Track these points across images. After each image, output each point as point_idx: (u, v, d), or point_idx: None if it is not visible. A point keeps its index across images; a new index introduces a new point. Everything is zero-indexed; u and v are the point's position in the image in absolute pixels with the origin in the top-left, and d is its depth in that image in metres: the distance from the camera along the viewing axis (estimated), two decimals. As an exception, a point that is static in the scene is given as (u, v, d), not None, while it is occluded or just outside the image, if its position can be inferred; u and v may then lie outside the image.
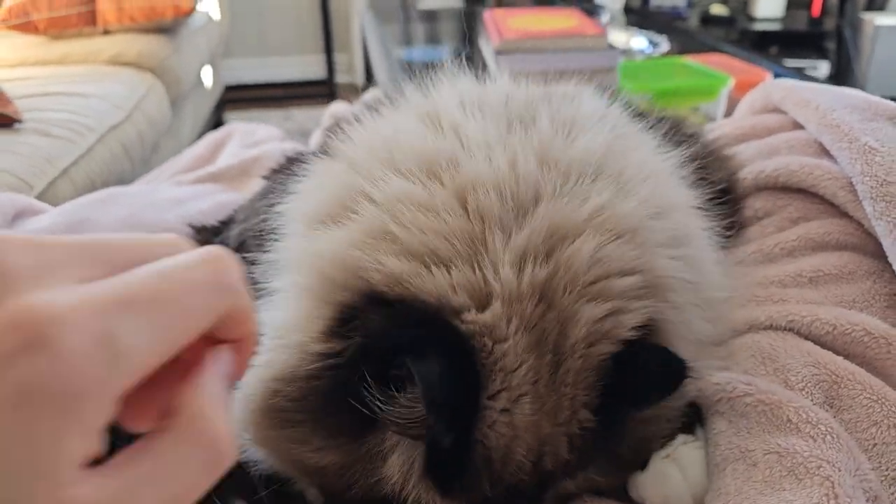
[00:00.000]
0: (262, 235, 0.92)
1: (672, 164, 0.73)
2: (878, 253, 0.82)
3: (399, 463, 0.56)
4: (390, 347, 0.53)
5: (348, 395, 0.54)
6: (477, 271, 0.56)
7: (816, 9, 4.06)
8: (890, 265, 0.80)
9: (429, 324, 0.54)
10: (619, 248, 0.59)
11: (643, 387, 0.57)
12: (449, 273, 0.56)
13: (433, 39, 3.14)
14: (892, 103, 0.92)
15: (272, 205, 0.78)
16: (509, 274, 0.56)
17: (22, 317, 0.27)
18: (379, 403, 0.53)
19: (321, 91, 4.27)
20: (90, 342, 0.27)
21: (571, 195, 0.61)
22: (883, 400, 0.67)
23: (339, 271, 0.59)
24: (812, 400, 0.69)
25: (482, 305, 0.55)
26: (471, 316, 0.55)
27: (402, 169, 0.63)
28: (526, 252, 0.57)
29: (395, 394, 0.53)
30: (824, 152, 0.91)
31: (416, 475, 0.55)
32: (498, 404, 0.54)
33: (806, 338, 0.77)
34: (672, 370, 0.57)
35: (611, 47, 2.10)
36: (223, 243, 1.00)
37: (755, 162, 0.94)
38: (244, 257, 0.95)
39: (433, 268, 0.56)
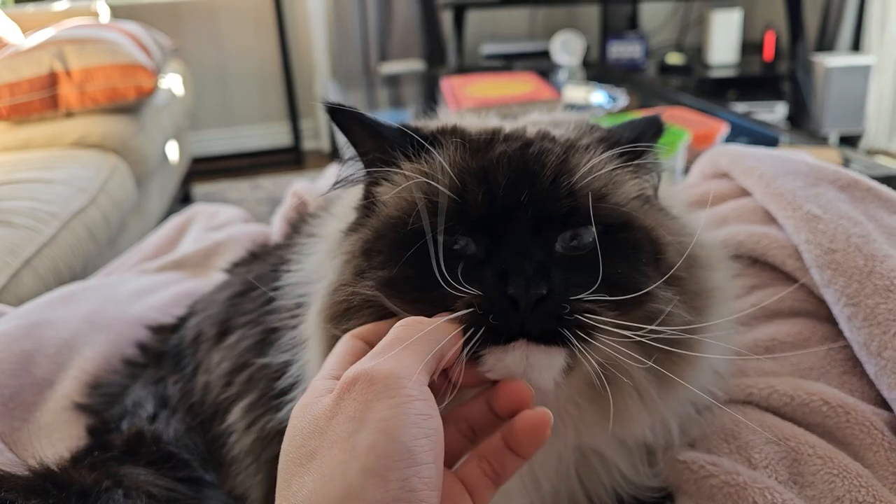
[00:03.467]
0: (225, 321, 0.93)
1: None
2: (831, 318, 0.83)
3: None
4: None
5: None
6: None
7: (769, 53, 4.18)
8: (842, 330, 0.81)
9: None
10: None
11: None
12: None
13: (397, 103, 3.18)
14: (833, 167, 0.94)
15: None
16: None
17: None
18: None
19: (288, 158, 4.29)
20: None
21: None
22: (844, 474, 0.67)
23: None
24: (777, 478, 0.69)
25: None
26: None
27: None
28: None
29: None
30: (771, 219, 0.92)
31: None
32: None
33: (765, 410, 0.77)
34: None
35: (568, 108, 2.15)
36: (180, 339, 0.99)
37: (706, 232, 0.95)
38: (200, 345, 0.95)
39: None
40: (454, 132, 0.65)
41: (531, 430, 0.50)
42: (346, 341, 0.54)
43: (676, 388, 0.62)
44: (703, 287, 0.64)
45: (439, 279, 0.54)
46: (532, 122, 0.72)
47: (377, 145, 0.64)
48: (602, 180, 0.60)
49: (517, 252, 0.55)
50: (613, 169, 0.62)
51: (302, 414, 0.47)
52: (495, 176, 0.58)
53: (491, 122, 0.73)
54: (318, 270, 0.71)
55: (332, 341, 0.59)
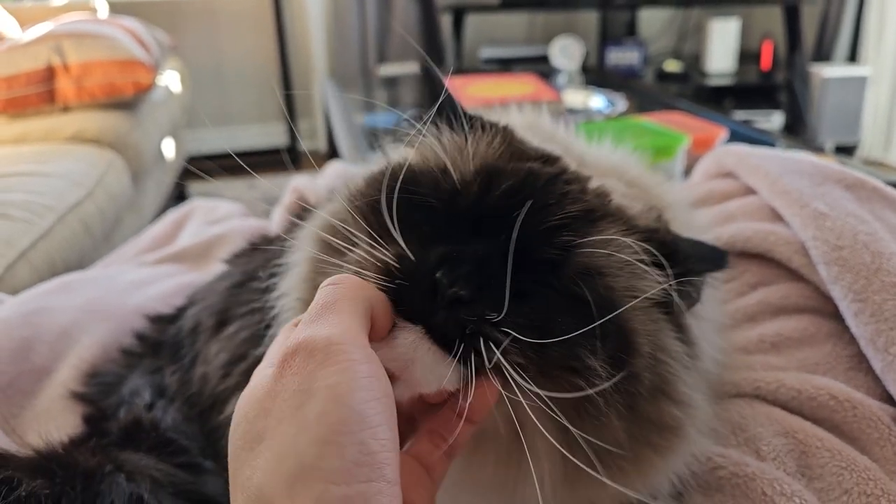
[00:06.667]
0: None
1: None
2: (836, 314, 0.83)
3: None
4: None
5: None
6: None
7: (766, 62, 4.20)
8: (849, 326, 0.81)
9: None
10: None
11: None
12: None
13: (394, 105, 3.18)
14: (838, 167, 0.94)
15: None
16: None
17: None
18: None
19: (284, 159, 4.28)
20: None
21: None
22: (852, 467, 0.67)
23: None
24: (785, 470, 0.69)
25: None
26: None
27: None
28: None
29: None
30: (777, 217, 0.93)
31: None
32: None
33: (773, 404, 0.77)
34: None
35: (568, 112, 2.15)
36: (179, 329, 0.98)
37: (712, 228, 0.95)
38: (198, 335, 0.94)
39: None
40: (505, 131, 0.65)
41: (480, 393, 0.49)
42: (285, 332, 0.51)
43: (581, 487, 0.57)
44: (659, 419, 0.57)
45: (390, 227, 0.53)
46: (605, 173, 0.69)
47: (443, 113, 0.65)
48: (607, 261, 0.55)
49: (473, 253, 0.51)
50: (634, 260, 0.56)
51: (245, 400, 0.45)
52: (503, 183, 0.56)
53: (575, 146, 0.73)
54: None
55: (314, 264, 0.59)
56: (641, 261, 0.56)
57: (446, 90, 0.65)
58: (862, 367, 0.79)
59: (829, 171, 0.95)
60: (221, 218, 1.61)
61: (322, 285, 0.48)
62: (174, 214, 1.66)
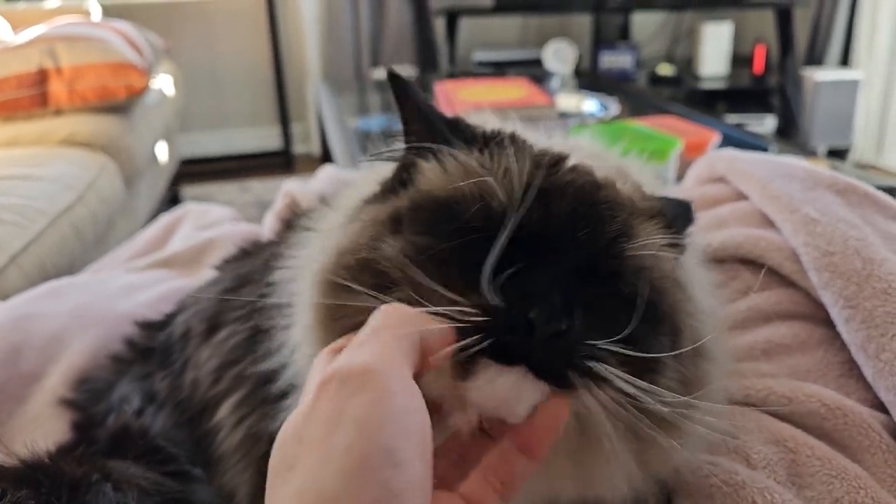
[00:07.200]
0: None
1: None
2: (828, 321, 0.83)
3: None
4: None
5: None
6: None
7: (759, 66, 4.21)
8: (840, 332, 0.81)
9: None
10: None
11: None
12: None
13: (388, 108, 3.18)
14: (829, 172, 0.95)
15: None
16: None
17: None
18: None
19: (278, 162, 4.28)
20: None
21: None
22: (842, 475, 0.67)
23: None
24: (775, 478, 0.69)
25: None
26: None
27: None
28: None
29: None
30: (769, 222, 0.93)
31: None
32: None
33: (763, 412, 0.77)
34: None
35: (561, 116, 2.15)
36: (169, 335, 0.98)
37: (703, 234, 0.95)
38: (188, 341, 0.94)
39: None
40: (514, 140, 0.63)
41: (544, 424, 0.49)
42: (321, 360, 0.49)
43: (649, 459, 0.60)
44: (698, 377, 0.62)
45: (482, 278, 0.51)
46: (576, 149, 0.70)
47: (428, 126, 0.63)
48: (652, 256, 0.58)
49: (551, 280, 0.52)
50: (662, 247, 0.59)
51: (285, 426, 0.44)
52: (559, 202, 0.56)
53: (555, 143, 0.72)
54: (313, 263, 0.69)
55: (326, 311, 0.56)
56: (664, 246, 0.60)
57: (432, 106, 0.63)
58: (853, 374, 0.79)
59: (819, 176, 0.95)
60: (213, 222, 1.61)
61: (374, 313, 0.47)
62: (165, 219, 1.65)
